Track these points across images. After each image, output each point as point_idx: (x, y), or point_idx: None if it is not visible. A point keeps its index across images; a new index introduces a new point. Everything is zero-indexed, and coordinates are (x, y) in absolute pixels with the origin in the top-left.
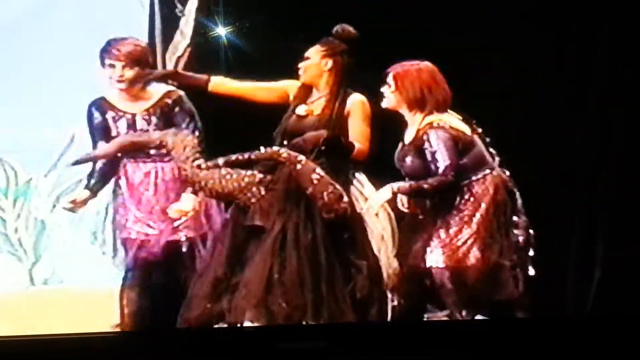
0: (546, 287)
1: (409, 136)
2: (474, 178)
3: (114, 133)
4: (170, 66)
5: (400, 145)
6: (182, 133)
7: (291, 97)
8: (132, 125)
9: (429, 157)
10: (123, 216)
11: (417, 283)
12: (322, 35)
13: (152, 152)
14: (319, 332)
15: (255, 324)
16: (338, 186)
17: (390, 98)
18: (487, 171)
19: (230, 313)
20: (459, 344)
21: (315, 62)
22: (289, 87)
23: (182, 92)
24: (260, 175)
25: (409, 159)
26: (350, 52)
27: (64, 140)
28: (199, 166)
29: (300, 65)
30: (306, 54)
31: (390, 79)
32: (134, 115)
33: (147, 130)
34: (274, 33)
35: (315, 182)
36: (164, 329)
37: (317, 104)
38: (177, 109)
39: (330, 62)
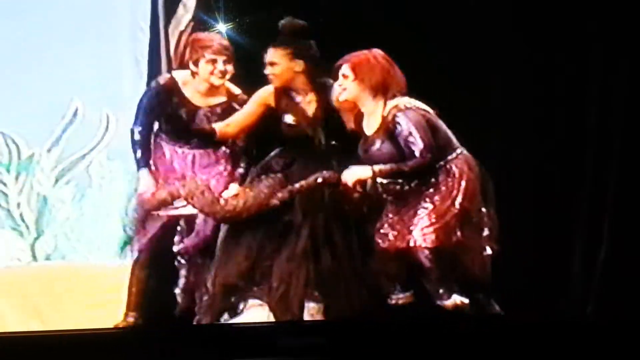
0: (545, 289)
1: (371, 125)
2: (449, 157)
3: (168, 117)
4: (172, 41)
5: (362, 139)
6: (188, 182)
7: (273, 104)
8: (190, 118)
9: (401, 141)
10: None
11: (396, 263)
12: (322, 32)
13: (192, 140)
14: (319, 329)
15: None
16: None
17: (351, 88)
18: (459, 150)
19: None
20: (461, 343)
21: (286, 66)
22: (266, 96)
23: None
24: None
25: (376, 147)
26: (315, 47)
27: (67, 115)
28: (225, 202)
29: (269, 72)
30: (271, 59)
31: (347, 70)
32: (197, 108)
33: (203, 128)
34: (274, 29)
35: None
36: (166, 325)
37: (304, 109)
38: None
39: (301, 63)
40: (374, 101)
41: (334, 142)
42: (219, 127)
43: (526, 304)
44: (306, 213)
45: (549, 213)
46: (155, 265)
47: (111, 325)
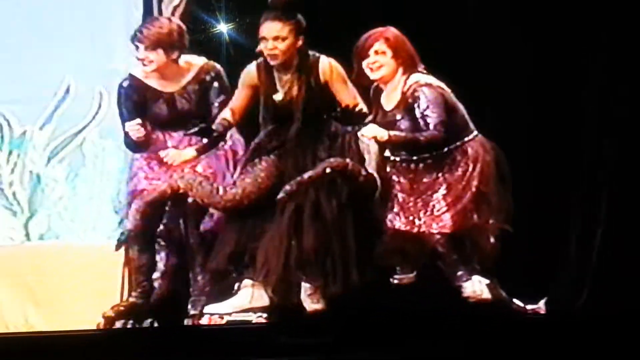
0: (538, 280)
1: (391, 101)
2: (466, 139)
3: (151, 113)
4: (166, 15)
5: (380, 113)
6: (186, 174)
7: (258, 83)
8: (171, 105)
9: (418, 114)
10: (140, 175)
11: (404, 244)
12: (324, 32)
13: (188, 124)
14: (321, 326)
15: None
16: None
17: (389, 65)
18: (475, 133)
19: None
20: (462, 338)
21: (292, 41)
22: (251, 76)
23: (218, 66)
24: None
25: (395, 122)
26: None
27: (60, 92)
28: (224, 191)
29: (272, 46)
30: (277, 34)
31: (382, 46)
32: (172, 94)
33: (190, 109)
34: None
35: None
36: (166, 325)
37: (292, 85)
38: (213, 86)
39: (301, 39)
40: (402, 77)
41: (325, 116)
42: (227, 117)
43: (519, 295)
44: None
45: (544, 205)
46: (148, 245)
47: (106, 305)
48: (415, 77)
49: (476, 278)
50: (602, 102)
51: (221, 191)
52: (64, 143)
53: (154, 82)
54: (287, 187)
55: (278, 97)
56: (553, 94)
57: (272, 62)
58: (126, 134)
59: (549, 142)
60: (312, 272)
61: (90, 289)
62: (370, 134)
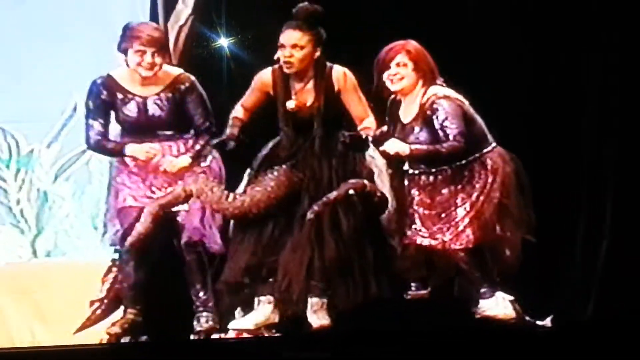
0: (545, 289)
1: (409, 113)
2: (485, 150)
3: (120, 116)
4: (172, 35)
5: (398, 126)
6: (200, 179)
7: (271, 91)
8: (142, 110)
9: (437, 126)
10: (125, 192)
11: (422, 259)
12: (343, 44)
13: (159, 133)
14: (324, 341)
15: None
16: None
17: (409, 77)
18: (494, 144)
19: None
20: (463, 344)
21: (310, 51)
22: (265, 82)
23: (193, 77)
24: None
25: (414, 135)
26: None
27: (67, 111)
28: (234, 198)
29: (289, 54)
30: (296, 42)
31: (404, 58)
32: (144, 98)
33: (160, 116)
34: (276, 44)
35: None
36: (167, 340)
37: (306, 94)
38: (190, 97)
39: (319, 50)
40: (421, 89)
41: (337, 129)
42: (239, 115)
43: (527, 305)
44: (313, 203)
45: (549, 214)
46: (145, 259)
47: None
48: (434, 90)
49: (499, 295)
50: (602, 108)
51: (230, 198)
52: (70, 161)
53: (129, 85)
54: (315, 208)
55: (290, 104)
56: (560, 104)
57: (287, 71)
58: (88, 130)
59: (551, 153)
60: (324, 284)
61: None
62: (392, 150)
